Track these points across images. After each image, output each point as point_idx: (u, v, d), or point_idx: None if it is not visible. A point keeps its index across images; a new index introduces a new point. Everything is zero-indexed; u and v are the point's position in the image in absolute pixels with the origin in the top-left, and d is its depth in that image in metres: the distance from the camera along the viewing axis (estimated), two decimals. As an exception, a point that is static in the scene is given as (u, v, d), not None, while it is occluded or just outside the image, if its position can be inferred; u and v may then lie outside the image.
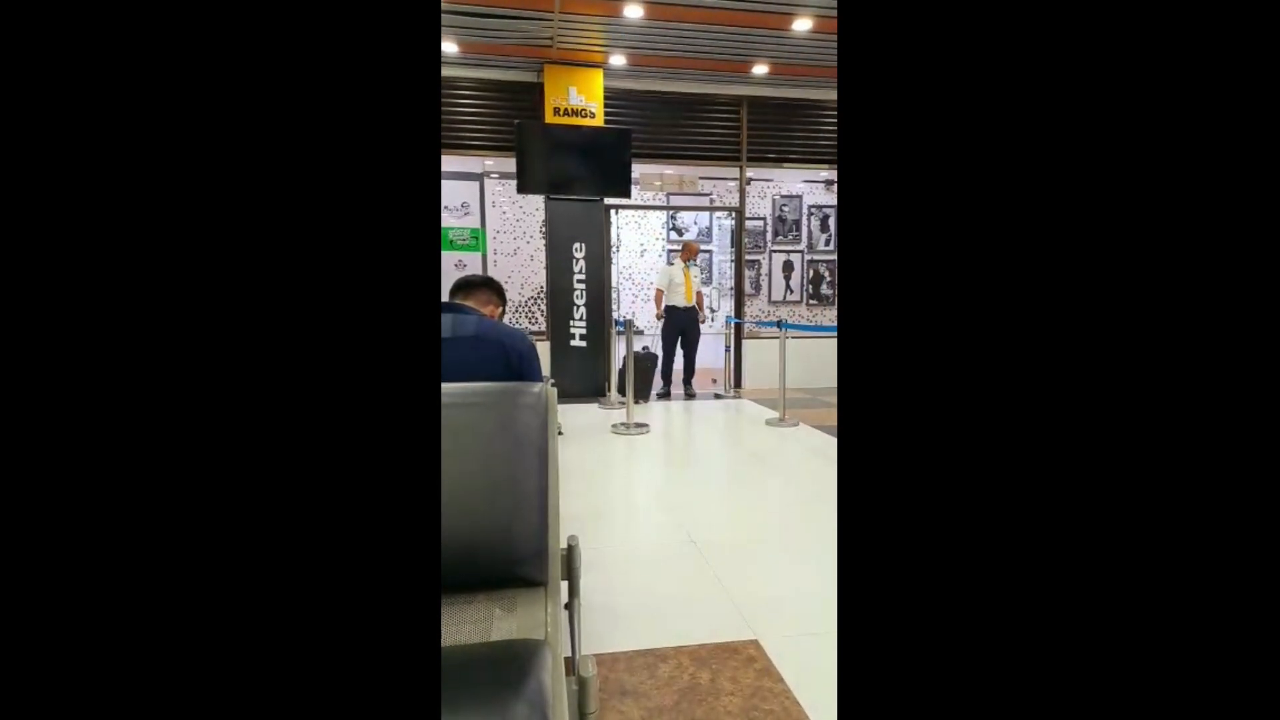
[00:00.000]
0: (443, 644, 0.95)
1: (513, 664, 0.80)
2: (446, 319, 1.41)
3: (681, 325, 5.25)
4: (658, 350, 5.39)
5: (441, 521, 0.97)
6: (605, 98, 5.25)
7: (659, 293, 5.39)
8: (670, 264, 5.53)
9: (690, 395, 5.36)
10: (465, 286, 1.57)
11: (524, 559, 1.05)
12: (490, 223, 5.66)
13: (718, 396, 5.35)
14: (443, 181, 5.64)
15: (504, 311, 1.64)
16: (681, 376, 5.45)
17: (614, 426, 4.10)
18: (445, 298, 1.62)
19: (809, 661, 1.55)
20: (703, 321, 5.43)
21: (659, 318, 5.39)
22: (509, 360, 1.41)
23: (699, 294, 5.36)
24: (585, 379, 5.18)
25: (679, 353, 5.41)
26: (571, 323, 5.22)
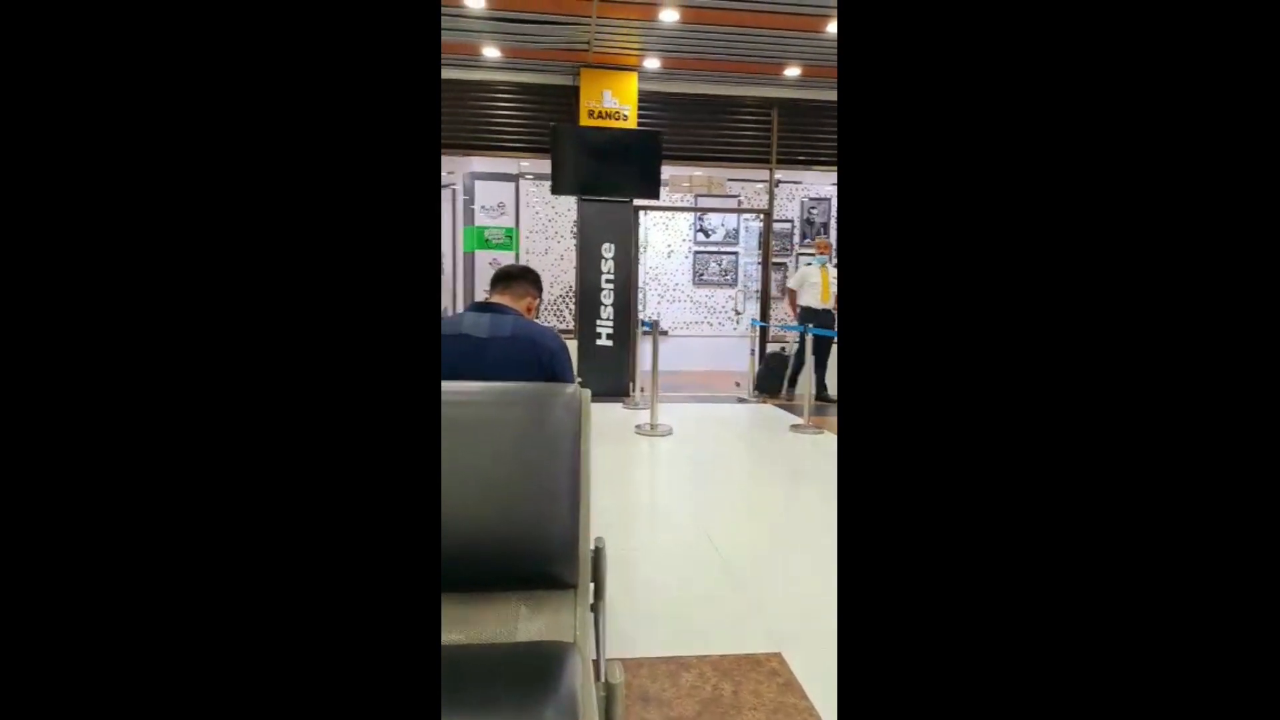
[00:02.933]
0: (469, 641, 0.96)
1: (543, 666, 0.81)
2: (484, 319, 1.46)
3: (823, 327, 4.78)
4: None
5: (473, 519, 0.98)
6: (639, 100, 5.25)
7: (792, 293, 5.21)
8: (807, 264, 5.24)
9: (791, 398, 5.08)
10: (505, 277, 1.64)
11: (554, 559, 1.05)
12: (524, 222, 5.72)
13: (740, 400, 5.31)
14: (480, 182, 5.72)
15: (541, 302, 1.71)
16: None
17: (637, 427, 4.09)
18: (487, 288, 1.69)
19: (833, 678, 1.52)
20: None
21: (795, 316, 5.07)
22: (540, 357, 1.43)
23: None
24: (610, 378, 5.19)
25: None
26: (599, 322, 5.24)
